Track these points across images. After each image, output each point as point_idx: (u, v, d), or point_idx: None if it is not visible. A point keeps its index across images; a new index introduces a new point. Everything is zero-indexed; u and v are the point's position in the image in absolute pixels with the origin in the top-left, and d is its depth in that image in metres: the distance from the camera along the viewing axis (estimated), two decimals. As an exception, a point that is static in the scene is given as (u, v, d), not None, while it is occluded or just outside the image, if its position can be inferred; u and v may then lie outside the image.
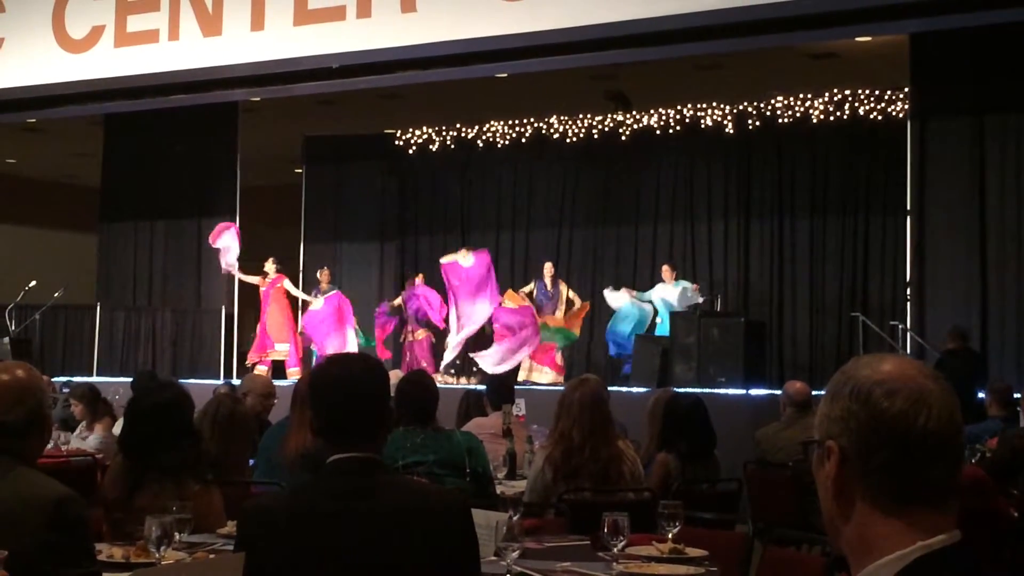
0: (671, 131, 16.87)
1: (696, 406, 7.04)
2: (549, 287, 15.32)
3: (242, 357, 16.81)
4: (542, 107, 17.03)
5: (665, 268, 15.15)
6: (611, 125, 17.17)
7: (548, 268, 15.48)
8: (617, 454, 5.78)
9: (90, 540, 3.39)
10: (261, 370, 15.14)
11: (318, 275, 16.35)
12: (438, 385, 6.31)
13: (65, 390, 11.42)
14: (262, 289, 16.18)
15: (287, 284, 16.25)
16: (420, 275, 16.25)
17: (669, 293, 14.82)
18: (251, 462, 6.59)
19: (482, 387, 10.13)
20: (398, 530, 2.97)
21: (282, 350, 15.92)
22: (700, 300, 14.71)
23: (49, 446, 8.04)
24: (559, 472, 5.69)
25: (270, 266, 16.21)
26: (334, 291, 15.96)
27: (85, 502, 3.37)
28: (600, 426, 5.76)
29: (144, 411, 4.79)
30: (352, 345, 15.29)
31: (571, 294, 15.45)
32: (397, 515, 2.99)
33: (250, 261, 17.28)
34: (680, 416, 6.91)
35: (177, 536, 3.89)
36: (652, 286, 16.51)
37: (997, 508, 4.94)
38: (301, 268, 18.45)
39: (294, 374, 15.20)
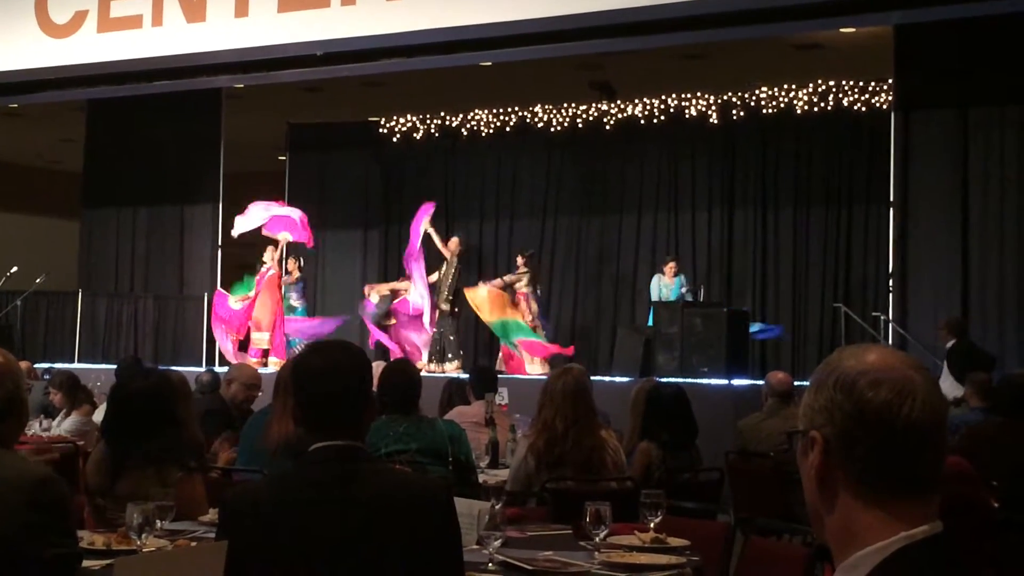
0: (655, 121, 16.86)
1: (678, 396, 7.05)
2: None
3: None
4: (526, 96, 17.01)
5: (671, 265, 15.08)
6: (595, 114, 17.16)
7: (520, 261, 15.47)
8: (600, 443, 5.79)
9: (71, 520, 3.39)
10: (252, 361, 15.14)
11: (288, 264, 16.31)
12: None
13: (47, 376, 11.40)
14: (256, 277, 16.15)
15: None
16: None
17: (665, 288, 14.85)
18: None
19: (465, 376, 10.13)
20: (380, 518, 2.96)
21: (259, 339, 15.87)
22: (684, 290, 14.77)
23: (30, 432, 8.08)
24: (542, 461, 5.69)
25: (268, 255, 16.21)
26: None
27: (65, 483, 3.37)
28: (583, 415, 5.76)
29: (126, 398, 4.78)
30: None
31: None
32: (379, 503, 2.99)
33: (233, 249, 17.26)
34: (662, 406, 6.91)
35: (159, 523, 3.88)
36: (635, 275, 16.55)
37: (979, 498, 4.95)
38: (284, 255, 18.41)
39: (275, 364, 15.15)
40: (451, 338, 15.22)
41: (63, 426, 8.70)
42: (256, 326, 15.86)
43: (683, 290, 14.74)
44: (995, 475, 5.63)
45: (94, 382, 10.44)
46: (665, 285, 14.85)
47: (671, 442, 6.75)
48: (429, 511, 3.02)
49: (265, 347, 15.80)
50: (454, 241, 15.68)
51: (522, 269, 15.27)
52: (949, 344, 11.75)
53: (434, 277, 15.58)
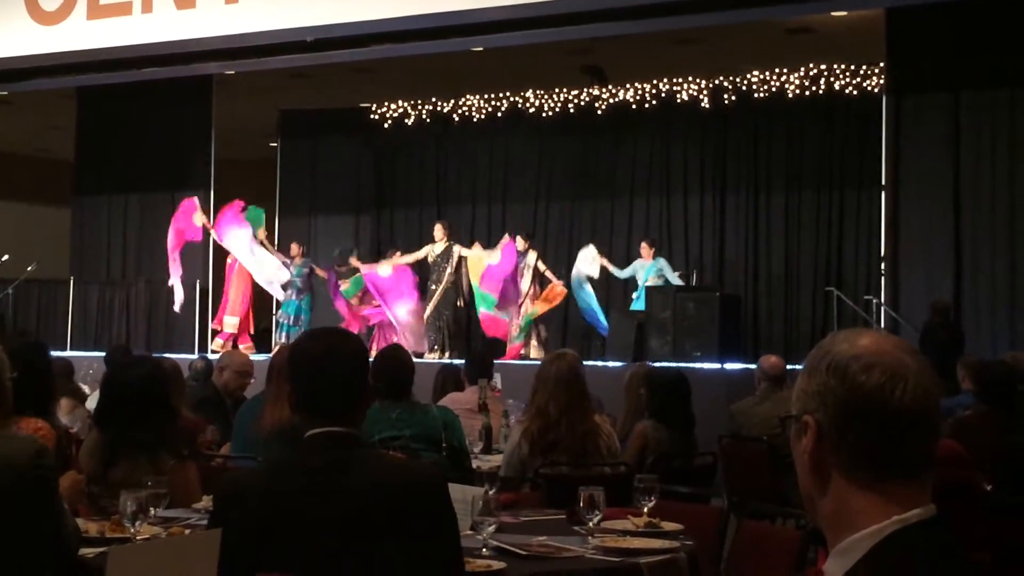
0: (647, 105, 16.86)
1: (683, 380, 7.08)
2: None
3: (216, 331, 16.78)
4: (518, 81, 16.99)
5: (644, 245, 15.06)
6: (587, 99, 17.15)
7: (520, 243, 15.35)
8: (594, 428, 5.79)
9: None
10: (219, 343, 15.14)
11: (292, 249, 16.27)
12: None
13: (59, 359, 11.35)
14: (228, 261, 16.07)
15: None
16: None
17: (642, 271, 14.82)
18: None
19: (459, 362, 10.12)
20: (376, 505, 2.96)
21: (230, 323, 15.84)
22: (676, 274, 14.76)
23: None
24: (536, 446, 5.69)
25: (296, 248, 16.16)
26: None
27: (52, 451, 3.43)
28: (577, 401, 5.76)
29: (119, 386, 4.77)
30: None
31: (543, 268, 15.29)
32: (374, 490, 2.98)
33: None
34: (668, 388, 6.92)
35: (152, 511, 3.88)
36: (627, 260, 16.53)
37: (971, 481, 4.97)
38: (276, 242, 18.39)
39: (248, 350, 15.10)
40: (450, 329, 15.20)
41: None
42: (229, 310, 15.83)
43: (661, 273, 14.66)
44: (986, 461, 5.64)
45: (87, 370, 10.43)
46: (641, 266, 14.82)
47: (676, 423, 6.77)
48: (425, 498, 3.02)
49: (234, 332, 15.76)
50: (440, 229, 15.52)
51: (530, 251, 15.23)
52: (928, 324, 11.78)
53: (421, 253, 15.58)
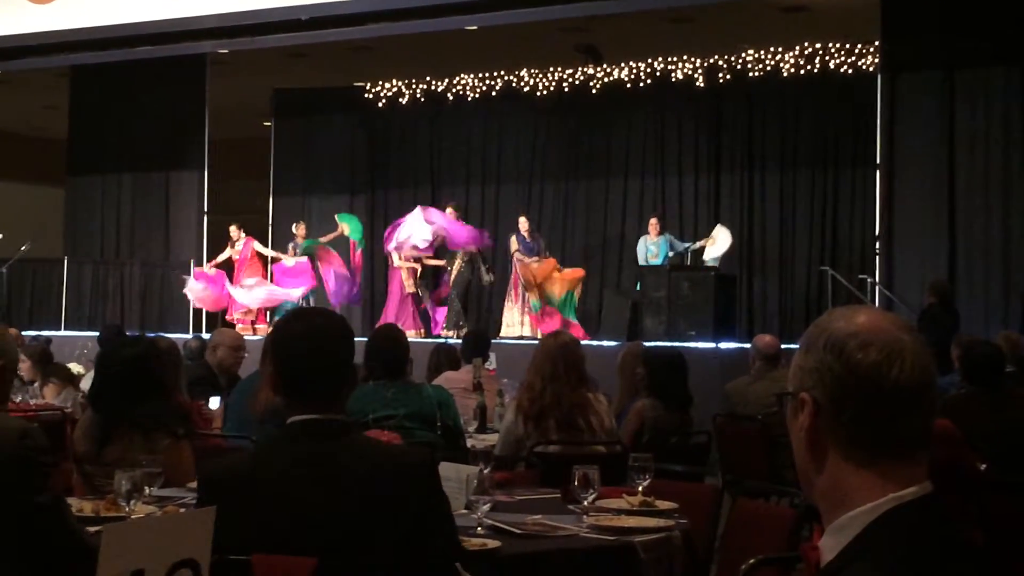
0: (642, 84, 16.83)
1: (680, 358, 7.08)
2: (528, 240, 15.19)
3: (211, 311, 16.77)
4: (512, 60, 16.96)
5: (653, 223, 15.05)
6: (582, 78, 17.12)
7: (524, 223, 15.34)
8: (583, 402, 5.77)
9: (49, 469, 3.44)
10: (261, 328, 15.17)
11: (294, 229, 16.26)
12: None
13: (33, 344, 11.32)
14: (235, 259, 16.09)
15: (257, 246, 16.14)
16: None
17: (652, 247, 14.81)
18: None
19: (452, 341, 10.12)
20: (362, 492, 2.92)
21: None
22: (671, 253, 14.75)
23: (17, 399, 8.06)
24: (528, 419, 5.69)
25: (235, 232, 16.11)
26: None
27: (43, 433, 3.40)
28: (564, 373, 5.73)
29: (113, 365, 4.76)
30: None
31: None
32: (361, 476, 2.94)
33: (219, 215, 17.19)
34: (666, 367, 6.92)
35: (147, 490, 3.88)
36: (622, 239, 16.55)
37: (965, 460, 4.97)
38: (270, 222, 18.39)
39: (262, 331, 15.13)
40: (459, 307, 15.28)
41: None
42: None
43: (670, 253, 14.72)
44: (978, 441, 5.64)
45: (81, 349, 10.41)
46: (652, 243, 14.82)
47: (673, 402, 6.78)
48: (412, 482, 2.97)
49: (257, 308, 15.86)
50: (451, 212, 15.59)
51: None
52: (927, 305, 11.78)
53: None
